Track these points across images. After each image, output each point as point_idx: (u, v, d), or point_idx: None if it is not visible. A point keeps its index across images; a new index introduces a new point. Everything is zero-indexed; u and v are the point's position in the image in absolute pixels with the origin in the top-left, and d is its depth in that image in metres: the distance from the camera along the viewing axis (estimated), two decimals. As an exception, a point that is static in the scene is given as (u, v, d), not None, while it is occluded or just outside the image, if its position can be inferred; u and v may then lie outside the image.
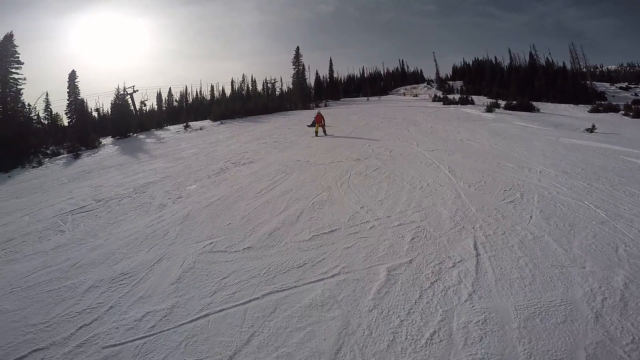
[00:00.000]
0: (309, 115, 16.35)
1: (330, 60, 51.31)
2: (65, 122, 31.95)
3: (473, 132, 13.66)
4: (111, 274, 4.37)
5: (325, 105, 38.07)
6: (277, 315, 3.19)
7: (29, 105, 26.60)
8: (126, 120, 26.08)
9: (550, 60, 46.21)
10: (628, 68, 57.94)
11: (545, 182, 6.30)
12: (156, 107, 46.62)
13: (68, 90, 31.00)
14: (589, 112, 26.48)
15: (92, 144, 21.80)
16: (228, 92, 48.21)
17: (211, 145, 16.20)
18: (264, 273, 3.94)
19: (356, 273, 3.75)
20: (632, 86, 44.17)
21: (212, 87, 51.70)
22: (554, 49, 63.19)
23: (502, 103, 27.92)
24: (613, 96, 37.80)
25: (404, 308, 3.11)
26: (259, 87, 49.07)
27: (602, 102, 31.08)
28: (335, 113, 26.59)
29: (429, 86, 55.68)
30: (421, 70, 65.12)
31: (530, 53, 46.32)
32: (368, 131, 15.61)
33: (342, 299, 3.32)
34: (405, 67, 65.22)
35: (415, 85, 57.81)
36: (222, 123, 26.94)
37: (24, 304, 3.88)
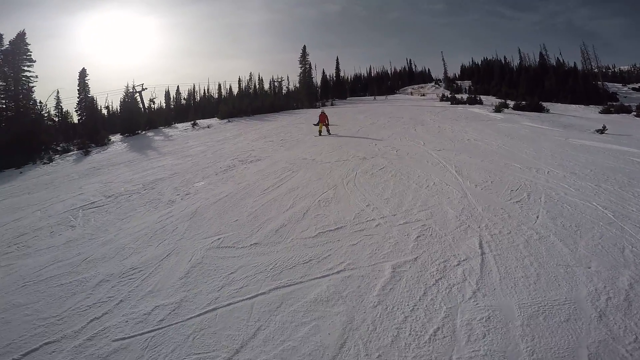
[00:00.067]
0: (316, 114, 16.41)
1: (337, 59, 51.13)
2: (75, 119, 32.52)
3: (481, 132, 13.57)
4: (121, 268, 4.46)
5: (332, 104, 38.08)
6: (283, 309, 3.25)
7: (40, 102, 27.14)
8: (135, 118, 26.42)
9: (561, 61, 45.63)
10: (641, 68, 56.83)
11: (552, 183, 6.26)
12: (164, 105, 47.17)
13: (78, 88, 31.57)
14: (599, 113, 26.07)
15: (102, 141, 22.12)
16: (235, 90, 48.60)
17: (219, 143, 16.34)
18: (271, 268, 4.00)
19: (361, 270, 3.79)
20: (644, 87, 43.37)
21: (219, 85, 52.10)
22: (565, 49, 62.49)
23: (511, 103, 27.63)
24: (625, 97, 37.12)
25: (408, 304, 3.14)
26: (266, 86, 49.39)
27: (614, 103, 30.55)
28: (342, 112, 26.59)
29: (437, 86, 55.36)
30: (429, 69, 64.85)
31: (541, 53, 45.81)
32: (375, 130, 15.60)
33: (347, 295, 3.37)
34: (413, 67, 65.00)
35: (423, 85, 57.52)
36: (229, 121, 27.14)
37: (36, 298, 3.96)
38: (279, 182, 7.82)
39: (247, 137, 17.37)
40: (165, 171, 10.80)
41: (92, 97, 32.93)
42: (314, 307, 3.24)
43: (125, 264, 4.56)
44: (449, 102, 32.99)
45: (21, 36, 24.26)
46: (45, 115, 29.27)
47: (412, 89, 54.78)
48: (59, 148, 22.25)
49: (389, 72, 63.10)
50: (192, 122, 26.55)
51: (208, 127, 24.72)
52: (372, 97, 46.48)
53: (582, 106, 31.55)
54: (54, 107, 33.70)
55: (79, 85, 31.93)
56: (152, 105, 36.01)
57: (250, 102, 33.36)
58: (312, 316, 3.12)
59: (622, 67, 58.41)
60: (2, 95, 23.42)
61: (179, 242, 5.06)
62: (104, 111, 38.27)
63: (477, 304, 3.06)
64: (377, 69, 63.12)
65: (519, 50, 50.81)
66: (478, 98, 33.29)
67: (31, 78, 24.50)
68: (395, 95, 50.73)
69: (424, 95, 46.33)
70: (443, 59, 58.43)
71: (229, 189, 7.66)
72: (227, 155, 12.24)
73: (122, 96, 28.94)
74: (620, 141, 11.64)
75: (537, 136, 12.76)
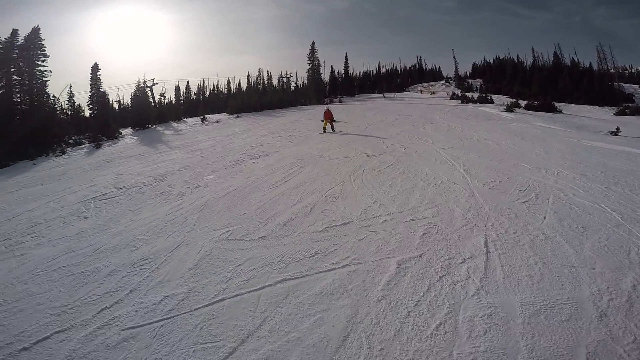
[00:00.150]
0: (324, 110, 16.44)
1: (346, 56, 50.86)
2: (87, 113, 33.02)
3: (491, 132, 13.45)
4: (132, 259, 4.55)
5: (340, 101, 38.00)
6: (289, 301, 3.32)
7: (53, 96, 27.66)
8: (146, 112, 26.77)
9: (576, 60, 44.73)
10: (660, 69, 55.26)
11: (561, 184, 6.22)
12: (174, 99, 47.59)
13: (90, 82, 32.05)
14: (614, 114, 25.53)
15: (113, 135, 22.49)
16: (244, 86, 48.74)
17: (228, 137, 16.49)
18: (278, 261, 4.08)
19: (367, 264, 3.85)
20: (663, 88, 42.26)
21: (228, 80, 52.43)
22: (580, 49, 61.19)
23: (523, 103, 27.23)
24: (642, 98, 36.32)
25: (412, 300, 3.19)
26: (275, 82, 49.42)
27: (630, 105, 29.88)
28: (350, 109, 26.54)
29: (448, 84, 54.77)
30: (439, 67, 64.11)
31: (555, 52, 45.04)
32: (383, 128, 15.56)
33: (352, 289, 3.43)
34: (423, 64, 64.33)
35: (433, 83, 56.96)
36: (238, 116, 27.33)
37: (48, 287, 4.03)
38: (287, 177, 7.89)
39: (255, 132, 17.48)
40: (175, 164, 10.97)
41: (104, 92, 33.37)
42: (319, 299, 3.31)
43: (136, 255, 4.65)
44: (459, 101, 32.66)
45: (36, 31, 24.71)
46: (58, 109, 29.86)
47: (422, 86, 54.28)
48: (71, 141, 22.71)
49: (399, 69, 62.60)
50: (202, 117, 26.83)
51: (217, 122, 24.94)
52: (381, 95, 46.21)
53: (597, 107, 30.96)
54: (66, 101, 34.28)
55: (91, 79, 32.42)
56: (162, 100, 36.37)
57: (259, 98, 33.49)
58: (317, 308, 3.18)
59: (639, 68, 56.97)
60: (17, 89, 23.92)
61: (188, 234, 5.16)
62: (115, 105, 38.75)
63: (479, 301, 3.09)
64: (387, 66, 62.68)
65: (533, 49, 50.10)
66: (489, 97, 32.85)
67: (45, 73, 24.99)
68: (405, 92, 50.33)
69: (433, 94, 45.90)
70: (454, 56, 58.25)
71: (237, 183, 7.77)
72: (236, 150, 12.36)
73: (133, 91, 29.27)
74: (634, 144, 11.42)
75: (548, 137, 12.59)
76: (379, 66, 62.36)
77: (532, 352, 2.51)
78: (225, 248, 4.58)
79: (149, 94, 32.05)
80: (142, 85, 31.15)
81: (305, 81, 45.54)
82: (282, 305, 3.28)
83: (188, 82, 54.17)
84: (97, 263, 4.54)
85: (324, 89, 45.08)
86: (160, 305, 3.46)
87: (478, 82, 49.72)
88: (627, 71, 53.11)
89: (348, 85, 49.29)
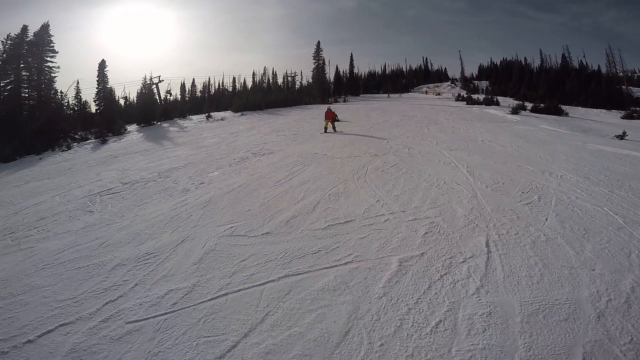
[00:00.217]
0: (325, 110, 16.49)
1: (351, 56, 50.81)
2: (93, 109, 33.28)
3: (495, 134, 13.42)
4: (137, 253, 4.58)
5: (345, 101, 38.00)
6: (291, 297, 3.36)
7: (61, 92, 27.93)
8: (151, 109, 26.94)
9: (584, 63, 44.36)
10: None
11: (565, 187, 6.22)
12: (180, 97, 47.83)
13: (97, 79, 32.30)
14: (621, 118, 25.38)
15: (118, 131, 22.67)
16: (249, 84, 48.93)
17: (232, 135, 16.58)
18: (281, 257, 4.13)
19: (368, 262, 3.89)
20: (672, 93, 41.77)
21: (234, 79, 52.40)
22: (589, 52, 60.55)
23: (529, 105, 27.12)
24: (650, 102, 35.93)
25: (412, 297, 3.23)
26: (280, 81, 49.51)
27: (638, 108, 29.60)
28: (355, 109, 26.56)
29: (453, 85, 54.65)
30: (445, 68, 64.02)
31: (563, 55, 44.76)
32: (387, 128, 15.58)
33: (354, 285, 3.47)
34: (429, 65, 64.20)
35: (439, 84, 56.84)
36: (242, 114, 27.45)
37: (54, 280, 4.07)
38: (290, 175, 7.95)
39: (260, 130, 17.57)
40: (180, 161, 11.06)
41: (111, 88, 33.66)
42: (321, 295, 3.35)
43: (141, 249, 4.69)
44: (465, 102, 32.57)
45: (45, 28, 25.00)
46: (65, 104, 30.16)
47: (428, 87, 54.18)
48: (77, 136, 22.96)
49: (404, 69, 62.53)
50: (207, 115, 26.95)
51: (222, 119, 25.06)
52: (386, 95, 46.17)
53: (604, 110, 30.75)
54: (73, 97, 34.56)
55: (98, 76, 32.67)
56: (168, 97, 36.63)
57: (264, 96, 33.61)
58: (319, 304, 3.22)
59: (649, 72, 56.33)
60: (25, 85, 24.20)
61: (193, 229, 5.23)
62: (122, 102, 39.05)
63: (479, 299, 3.13)
64: (392, 66, 62.72)
65: (540, 51, 49.76)
66: (495, 99, 32.77)
67: (53, 69, 25.31)
68: (410, 93, 50.28)
69: (439, 95, 45.79)
70: (460, 58, 57.85)
71: (242, 180, 7.83)
72: (240, 148, 12.44)
73: (139, 87, 29.56)
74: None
75: (554, 140, 12.55)
76: (385, 66, 62.52)
77: (529, 350, 2.55)
78: (229, 243, 4.64)
79: (155, 90, 32.29)
80: (148, 82, 31.40)
81: (310, 80, 45.67)
82: (285, 300, 3.32)
83: (194, 79, 54.66)
84: (103, 257, 4.57)
85: (329, 89, 45.13)
86: (165, 299, 3.49)
87: (484, 84, 49.54)
88: (636, 74, 52.61)
89: (353, 85, 49.26)
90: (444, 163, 8.29)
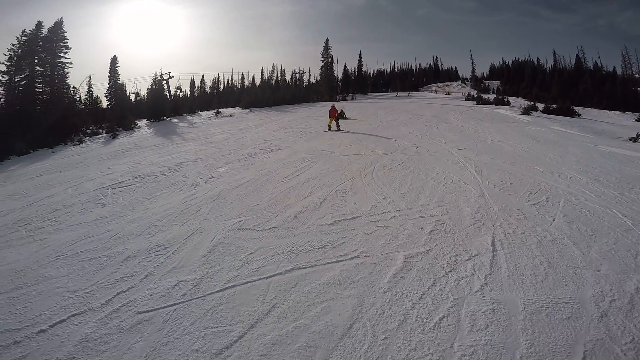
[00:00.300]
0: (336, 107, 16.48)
1: (360, 54, 50.48)
2: (105, 104, 33.71)
3: (505, 134, 13.28)
4: (148, 245, 4.68)
5: (353, 99, 37.87)
6: (298, 290, 3.43)
7: (74, 87, 28.37)
8: (161, 105, 27.17)
9: (599, 64, 43.42)
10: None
11: (574, 188, 6.17)
12: (189, 93, 48.19)
13: (109, 74, 32.68)
14: (636, 120, 24.81)
15: (129, 126, 22.92)
16: (258, 81, 49.05)
17: (241, 131, 16.70)
18: (288, 251, 4.20)
19: (374, 257, 3.94)
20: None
21: (242, 75, 52.43)
22: (605, 53, 58.90)
23: (541, 106, 26.69)
24: (667, 104, 35.01)
25: (417, 293, 3.27)
26: (288, 78, 49.51)
27: (653, 110, 28.92)
28: (363, 107, 26.51)
29: (463, 84, 54.04)
30: (456, 67, 63.20)
31: (577, 55, 43.79)
32: (395, 126, 15.53)
33: (359, 280, 3.52)
34: (439, 64, 63.52)
35: (449, 83, 56.27)
36: (251, 111, 27.59)
37: (66, 271, 4.15)
38: (298, 171, 8.02)
39: (268, 127, 17.67)
40: (190, 156, 11.20)
41: (122, 84, 34.05)
42: (326, 289, 3.41)
43: (152, 241, 4.79)
44: (475, 102, 32.17)
45: (59, 24, 25.38)
46: (77, 99, 30.63)
47: (437, 86, 53.67)
48: (88, 131, 23.28)
49: (414, 68, 61.99)
50: (216, 111, 27.16)
51: (230, 116, 25.22)
52: (395, 94, 45.89)
53: (618, 112, 30.08)
54: (85, 92, 35.02)
55: (109, 72, 33.03)
56: (177, 93, 36.91)
57: (272, 93, 33.70)
58: (325, 297, 3.28)
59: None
60: (39, 80, 24.64)
61: (202, 223, 5.33)
62: (132, 97, 39.45)
63: (483, 297, 3.16)
64: (401, 64, 62.19)
65: (554, 51, 48.81)
66: (506, 99, 32.26)
67: (66, 64, 25.69)
68: (419, 92, 49.87)
69: (449, 94, 45.34)
70: (471, 57, 57.19)
71: (250, 175, 7.93)
72: (248, 144, 12.54)
73: (149, 83, 29.79)
74: (653, 150, 11.15)
75: (565, 141, 12.37)
76: (394, 65, 62.00)
77: (531, 347, 2.57)
78: (238, 237, 4.72)
79: (165, 87, 32.57)
80: (158, 78, 31.69)
81: (318, 78, 45.60)
82: (291, 293, 3.38)
83: (203, 76, 54.71)
84: (114, 248, 4.67)
85: (337, 86, 45.00)
86: (174, 290, 3.56)
87: (495, 84, 48.89)
88: (652, 76, 51.34)
89: (361, 83, 49.01)
90: (452, 162, 8.27)
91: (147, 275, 3.91)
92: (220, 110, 27.72)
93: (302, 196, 6.23)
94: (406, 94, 45.31)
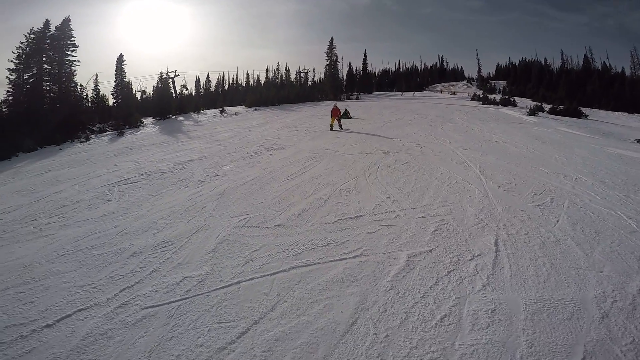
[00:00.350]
0: (340, 106, 16.48)
1: (365, 53, 50.75)
2: (111, 102, 33.97)
3: (510, 135, 13.21)
4: (153, 241, 4.73)
5: (357, 98, 37.81)
6: (301, 287, 3.47)
7: (80, 85, 28.62)
8: (167, 103, 27.30)
9: (608, 65, 42.91)
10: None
11: (579, 190, 6.15)
12: (194, 91, 48.38)
13: (115, 72, 32.88)
14: (644, 121, 24.57)
15: (135, 124, 23.05)
16: (263, 79, 49.08)
17: (245, 130, 16.77)
18: (292, 249, 4.24)
19: (377, 256, 3.97)
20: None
21: (247, 74, 52.66)
22: (613, 53, 58.11)
23: (547, 107, 26.47)
24: (676, 106, 34.51)
25: (419, 291, 3.30)
26: (292, 76, 49.52)
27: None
28: (368, 106, 26.47)
29: (469, 84, 53.75)
30: (462, 67, 62.94)
31: (585, 56, 43.33)
32: (400, 126, 15.50)
33: (362, 278, 3.56)
34: (445, 64, 63.21)
35: (454, 83, 55.99)
36: (256, 109, 27.68)
37: (73, 267, 4.20)
38: (302, 169, 8.06)
39: (272, 125, 17.71)
40: (195, 153, 11.29)
41: (128, 82, 34.25)
42: (329, 286, 3.45)
43: (158, 238, 4.84)
44: (481, 102, 31.96)
45: (66, 22, 25.61)
46: (85, 97, 30.91)
47: (442, 86, 53.41)
48: (95, 128, 23.48)
49: (419, 68, 61.71)
50: (221, 109, 27.27)
51: (235, 114, 25.32)
52: (400, 93, 45.75)
53: (626, 114, 29.74)
54: (92, 90, 35.29)
55: (116, 70, 33.25)
56: (183, 91, 37.08)
57: (277, 92, 33.75)
58: (327, 295, 3.32)
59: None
60: (47, 78, 24.90)
61: (207, 220, 5.38)
62: (138, 95, 39.70)
63: (485, 296, 3.18)
64: (407, 64, 61.93)
65: (562, 52, 48.45)
66: (512, 99, 32.01)
67: (74, 62, 25.92)
68: (424, 92, 49.64)
69: (454, 94, 45.11)
70: (477, 57, 56.75)
71: (255, 173, 7.99)
72: (253, 142, 12.60)
73: (155, 81, 29.98)
74: (660, 152, 11.04)
75: (571, 142, 12.28)
76: (399, 64, 61.80)
77: (531, 346, 2.59)
78: (243, 234, 4.77)
79: (171, 85, 32.75)
80: (164, 76, 31.86)
81: (323, 77, 45.57)
82: (295, 290, 3.42)
83: (208, 74, 55.03)
84: (121, 244, 4.72)
85: (341, 85, 44.96)
86: (179, 285, 3.61)
87: (501, 84, 48.57)
88: (661, 77, 50.61)
89: (366, 83, 48.92)
90: (456, 162, 8.27)
91: (152, 271, 3.95)
92: (226, 108, 27.83)
93: (306, 194, 6.27)
94: (411, 93, 45.15)
